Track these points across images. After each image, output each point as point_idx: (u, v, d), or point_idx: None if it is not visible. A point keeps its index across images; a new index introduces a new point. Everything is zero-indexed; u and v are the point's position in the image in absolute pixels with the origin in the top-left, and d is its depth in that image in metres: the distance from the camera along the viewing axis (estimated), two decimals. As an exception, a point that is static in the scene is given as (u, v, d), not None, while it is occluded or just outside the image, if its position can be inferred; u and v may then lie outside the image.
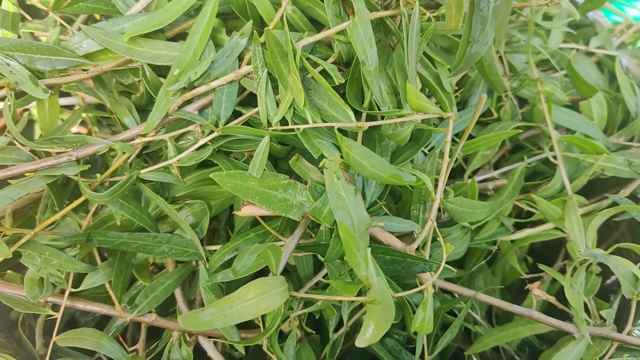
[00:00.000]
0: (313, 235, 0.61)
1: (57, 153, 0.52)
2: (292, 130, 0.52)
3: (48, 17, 0.68)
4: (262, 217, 0.58)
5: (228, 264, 0.59)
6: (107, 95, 0.58)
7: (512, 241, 0.71)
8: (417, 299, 0.63)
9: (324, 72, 0.53)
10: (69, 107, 0.72)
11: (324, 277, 0.63)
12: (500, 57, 0.76)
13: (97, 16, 0.71)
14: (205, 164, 0.59)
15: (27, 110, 0.68)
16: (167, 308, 0.66)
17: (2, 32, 0.58)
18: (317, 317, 0.69)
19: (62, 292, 0.57)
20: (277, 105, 0.53)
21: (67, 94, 0.70)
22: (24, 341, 0.61)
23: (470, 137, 0.74)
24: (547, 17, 0.76)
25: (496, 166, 0.77)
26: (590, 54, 0.85)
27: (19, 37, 0.64)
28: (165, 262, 0.64)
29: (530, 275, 0.72)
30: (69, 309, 0.59)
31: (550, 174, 0.76)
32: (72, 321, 0.73)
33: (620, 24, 0.91)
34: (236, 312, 0.47)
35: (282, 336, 0.63)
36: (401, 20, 0.52)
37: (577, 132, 0.72)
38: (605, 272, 0.68)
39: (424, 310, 0.48)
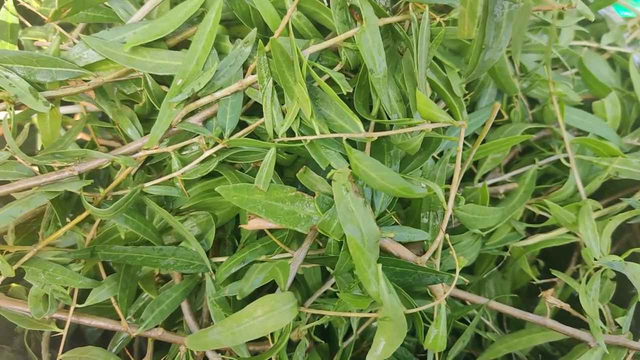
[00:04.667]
0: (321, 245, 0.60)
1: (59, 167, 0.51)
2: (299, 141, 0.51)
3: (48, 24, 0.67)
4: (270, 228, 0.57)
5: (235, 276, 0.58)
6: (108, 105, 0.57)
7: (524, 246, 0.69)
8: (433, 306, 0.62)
9: (330, 80, 0.52)
10: (71, 115, 0.71)
11: (332, 286, 0.62)
12: (510, 57, 0.74)
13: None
14: (210, 174, 0.57)
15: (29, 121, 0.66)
16: (173, 320, 0.65)
17: (1, 43, 0.57)
18: (325, 327, 0.68)
19: (67, 307, 0.56)
20: (283, 115, 0.51)
21: (70, 103, 0.69)
22: (30, 355, 0.60)
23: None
24: (557, 15, 0.74)
25: (507, 169, 0.76)
26: (601, 50, 0.83)
27: (19, 46, 0.63)
28: (172, 273, 0.63)
29: (542, 281, 0.71)
30: (75, 322, 0.58)
31: (562, 175, 0.75)
32: (78, 331, 0.73)
33: (632, 19, 0.88)
34: (244, 331, 0.46)
35: (291, 345, 0.62)
36: (410, 26, 0.51)
37: (590, 133, 0.71)
38: (622, 274, 0.66)
39: (437, 327, 0.46)
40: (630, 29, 0.87)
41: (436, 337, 0.46)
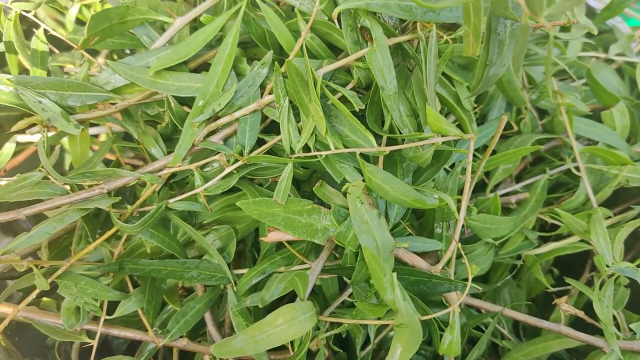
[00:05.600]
0: (338, 256, 0.62)
1: (89, 186, 0.54)
2: (315, 156, 0.53)
3: (75, 50, 0.70)
4: (288, 240, 0.59)
5: (256, 287, 0.60)
6: (134, 126, 0.60)
7: (537, 255, 0.70)
8: (443, 316, 0.64)
9: (343, 98, 0.54)
10: (96, 136, 0.75)
11: (349, 296, 0.64)
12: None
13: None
14: (230, 189, 0.60)
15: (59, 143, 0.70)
16: (197, 330, 0.67)
17: (33, 70, 0.60)
18: (344, 336, 0.69)
19: (97, 318, 0.59)
20: (300, 132, 0.54)
21: (95, 124, 0.72)
22: (61, 367, 0.63)
23: (492, 151, 0.74)
24: (564, 28, 0.76)
25: (518, 179, 0.77)
26: (610, 61, 0.85)
27: (49, 72, 0.67)
28: (195, 285, 0.65)
29: (557, 289, 0.72)
30: (103, 333, 0.60)
31: (574, 184, 0.76)
32: (105, 343, 0.75)
33: (639, 28, 0.90)
34: (266, 339, 0.48)
35: (310, 354, 0.63)
36: (419, 44, 0.53)
37: (600, 142, 0.72)
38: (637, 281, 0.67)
39: (451, 333, 0.48)
40: (638, 38, 0.88)
41: (450, 342, 0.48)
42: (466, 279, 0.51)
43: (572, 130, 0.70)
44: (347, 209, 0.53)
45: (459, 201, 0.55)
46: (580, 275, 0.78)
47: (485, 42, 0.46)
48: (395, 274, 0.45)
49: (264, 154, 0.56)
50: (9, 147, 0.60)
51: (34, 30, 0.64)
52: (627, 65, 0.83)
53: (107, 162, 0.77)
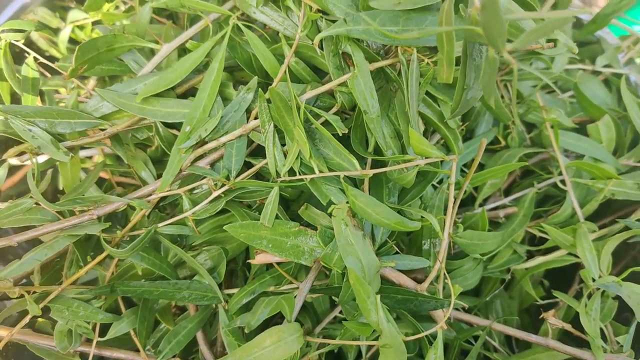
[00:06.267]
0: (328, 274, 0.63)
1: (80, 212, 0.55)
2: (301, 179, 0.54)
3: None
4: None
5: (247, 306, 0.61)
6: (123, 151, 0.61)
7: (526, 269, 0.71)
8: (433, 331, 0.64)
9: (328, 121, 0.55)
10: (90, 157, 0.76)
11: (340, 312, 0.64)
12: (506, 85, 0.77)
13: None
14: (220, 211, 0.61)
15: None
16: (190, 349, 0.68)
17: (24, 96, 0.62)
18: (336, 351, 0.70)
19: (90, 340, 0.60)
20: (285, 156, 0.55)
21: (88, 147, 0.73)
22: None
23: (480, 165, 0.75)
24: (549, 41, 0.77)
25: (508, 192, 0.78)
26: (597, 72, 0.85)
27: (41, 96, 0.68)
28: (187, 305, 0.66)
29: (546, 301, 0.72)
30: (96, 355, 0.61)
31: (562, 197, 0.76)
32: (101, 362, 0.76)
33: (627, 38, 0.90)
34: (254, 360, 0.49)
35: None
36: (400, 68, 0.54)
37: (586, 156, 0.73)
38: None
39: (435, 352, 0.49)
40: (626, 48, 0.89)
41: (435, 361, 0.49)
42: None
43: (558, 145, 0.71)
44: (333, 230, 0.53)
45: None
46: (569, 287, 0.78)
47: (462, 67, 0.47)
48: (378, 297, 0.46)
49: (251, 177, 0.57)
50: (1, 172, 0.61)
51: (26, 55, 0.65)
52: (614, 76, 0.83)
53: (101, 182, 0.78)
